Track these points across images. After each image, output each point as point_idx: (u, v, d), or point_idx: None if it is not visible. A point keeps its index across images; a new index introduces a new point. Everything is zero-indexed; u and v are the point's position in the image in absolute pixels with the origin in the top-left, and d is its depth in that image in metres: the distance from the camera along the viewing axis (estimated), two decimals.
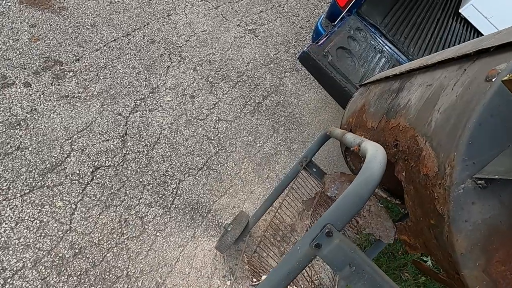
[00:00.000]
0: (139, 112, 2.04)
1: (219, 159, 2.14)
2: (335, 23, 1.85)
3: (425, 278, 2.24)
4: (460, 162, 0.54)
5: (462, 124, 0.56)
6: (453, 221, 0.55)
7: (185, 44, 2.48)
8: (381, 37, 2.03)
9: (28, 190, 1.56)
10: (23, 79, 1.79)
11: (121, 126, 1.94)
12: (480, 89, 0.56)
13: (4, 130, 1.63)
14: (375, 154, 0.65)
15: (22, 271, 1.41)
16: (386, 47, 1.97)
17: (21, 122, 1.68)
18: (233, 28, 2.83)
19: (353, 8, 2.04)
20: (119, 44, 2.20)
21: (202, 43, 2.57)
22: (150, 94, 2.13)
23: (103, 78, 2.03)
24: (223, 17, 2.84)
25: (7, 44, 1.83)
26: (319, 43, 1.65)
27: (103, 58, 2.09)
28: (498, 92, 0.52)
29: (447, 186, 0.56)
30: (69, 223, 1.59)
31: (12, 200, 1.51)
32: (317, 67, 1.57)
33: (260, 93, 2.60)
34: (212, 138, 2.19)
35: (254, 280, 1.86)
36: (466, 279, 0.57)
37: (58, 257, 1.50)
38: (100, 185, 1.73)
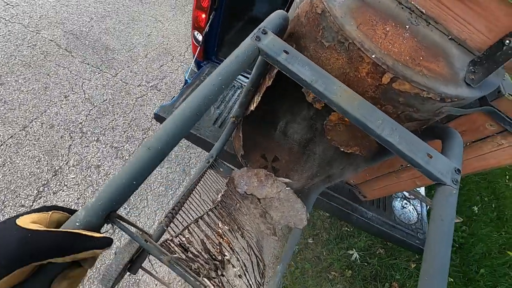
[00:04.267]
0: (42, 198, 2.17)
1: (131, 218, 2.28)
2: (187, 77, 2.09)
3: (352, 272, 2.39)
4: None
5: None
6: (328, 1, 0.79)
7: (86, 119, 2.68)
8: (242, 73, 2.29)
9: None
10: None
11: None
12: None
13: None
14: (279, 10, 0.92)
15: None
16: (247, 80, 2.23)
17: None
18: (134, 89, 3.06)
19: (212, 55, 2.31)
20: (16, 139, 2.37)
21: (103, 113, 2.77)
22: (53, 177, 2.28)
23: (2, 176, 2.17)
24: (123, 82, 3.08)
25: None
26: (171, 101, 1.88)
27: (1, 157, 2.25)
28: None
29: None
30: None
31: None
32: None
33: None
34: None
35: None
36: (350, 33, 0.76)
37: None
38: None
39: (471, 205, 3.43)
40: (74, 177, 2.33)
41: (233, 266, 1.08)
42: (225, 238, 1.24)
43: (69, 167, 2.36)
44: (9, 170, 2.21)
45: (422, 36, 0.81)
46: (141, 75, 3.21)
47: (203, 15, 1.98)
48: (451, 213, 0.64)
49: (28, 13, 3.31)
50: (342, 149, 1.11)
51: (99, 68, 3.09)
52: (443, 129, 0.87)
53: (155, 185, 2.50)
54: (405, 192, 2.02)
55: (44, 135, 2.46)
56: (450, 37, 0.84)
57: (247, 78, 2.28)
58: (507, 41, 0.71)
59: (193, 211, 1.07)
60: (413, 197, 2.04)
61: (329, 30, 0.80)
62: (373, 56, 0.74)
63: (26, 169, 2.25)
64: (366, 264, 2.48)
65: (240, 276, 1.04)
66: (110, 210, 0.43)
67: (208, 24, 1.97)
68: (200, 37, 2.08)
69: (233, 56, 0.73)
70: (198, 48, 2.07)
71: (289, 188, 1.54)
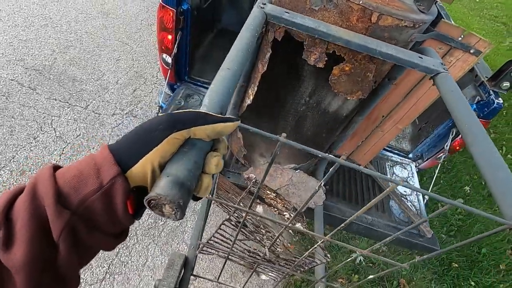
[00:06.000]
0: None
1: (121, 259, 2.13)
2: (161, 102, 1.99)
3: (358, 276, 2.34)
4: None
5: None
6: None
7: (59, 158, 2.51)
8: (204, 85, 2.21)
9: None
10: None
11: None
12: None
13: None
14: None
15: None
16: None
17: None
18: (108, 119, 2.91)
19: (184, 75, 2.22)
20: None
21: (78, 149, 2.61)
22: None
23: None
24: (96, 113, 2.93)
25: None
26: None
27: None
28: None
29: None
30: None
31: None
32: None
33: None
34: None
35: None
36: None
37: None
38: None
39: (462, 185, 3.47)
40: None
41: (296, 222, 1.18)
42: (279, 201, 1.38)
43: None
44: None
45: None
46: (114, 103, 3.07)
47: (169, 37, 1.89)
48: (455, 85, 0.78)
49: None
50: (348, 98, 1.23)
51: (67, 102, 2.93)
52: (419, 49, 1.05)
53: (143, 218, 2.36)
54: (401, 190, 2.00)
55: (15, 183, 2.28)
56: None
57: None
58: None
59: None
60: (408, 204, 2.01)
61: None
62: (361, 2, 0.92)
63: None
64: (371, 265, 2.43)
65: (305, 227, 1.13)
66: (221, 107, 0.51)
67: (176, 45, 1.88)
68: (169, 59, 1.99)
69: (246, 23, 0.84)
70: (169, 71, 1.98)
71: (298, 170, 1.58)
